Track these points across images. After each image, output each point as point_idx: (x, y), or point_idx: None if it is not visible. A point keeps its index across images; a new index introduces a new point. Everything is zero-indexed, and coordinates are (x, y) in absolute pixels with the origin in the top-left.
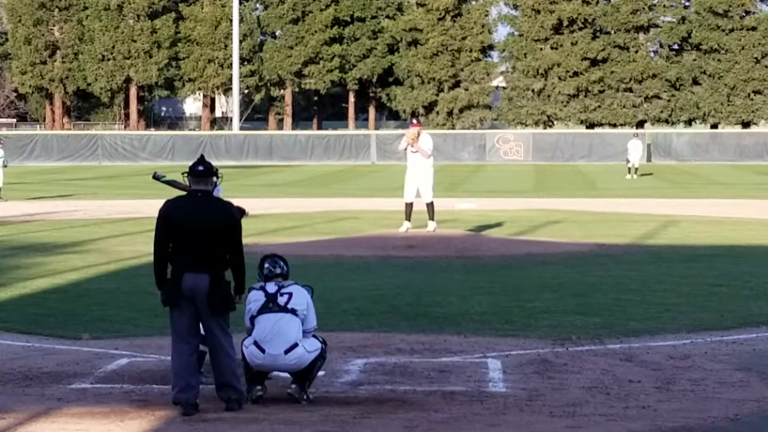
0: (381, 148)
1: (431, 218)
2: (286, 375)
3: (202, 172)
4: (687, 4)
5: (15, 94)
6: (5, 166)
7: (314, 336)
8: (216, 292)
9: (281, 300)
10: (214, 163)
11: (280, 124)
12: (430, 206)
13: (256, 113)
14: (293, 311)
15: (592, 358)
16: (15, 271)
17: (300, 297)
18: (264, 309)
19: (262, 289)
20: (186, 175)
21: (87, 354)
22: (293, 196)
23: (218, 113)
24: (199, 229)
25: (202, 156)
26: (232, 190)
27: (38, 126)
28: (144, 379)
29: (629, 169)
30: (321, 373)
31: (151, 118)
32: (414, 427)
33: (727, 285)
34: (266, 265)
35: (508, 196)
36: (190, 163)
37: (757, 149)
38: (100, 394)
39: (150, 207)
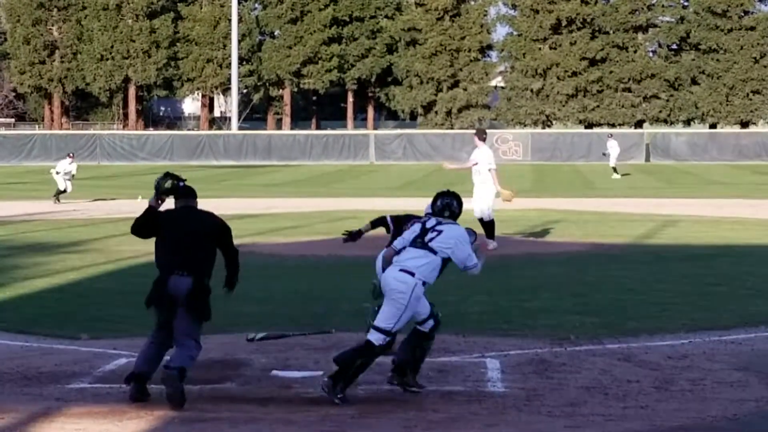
0: (380, 148)
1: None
2: (287, 375)
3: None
4: (686, 4)
5: (14, 94)
6: (72, 178)
7: (434, 314)
8: (196, 296)
9: (429, 236)
10: (213, 162)
11: (278, 124)
12: (479, 222)
13: (254, 113)
14: (432, 250)
15: (590, 358)
16: (14, 271)
17: (449, 234)
18: (413, 242)
19: (422, 222)
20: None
21: (85, 354)
22: (292, 196)
23: (217, 113)
24: (186, 236)
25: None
26: (232, 190)
27: (37, 126)
28: None
29: (614, 169)
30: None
31: (149, 118)
32: (412, 426)
33: (725, 285)
34: (438, 202)
35: None
36: (190, 163)
37: (755, 149)
38: (98, 394)
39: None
